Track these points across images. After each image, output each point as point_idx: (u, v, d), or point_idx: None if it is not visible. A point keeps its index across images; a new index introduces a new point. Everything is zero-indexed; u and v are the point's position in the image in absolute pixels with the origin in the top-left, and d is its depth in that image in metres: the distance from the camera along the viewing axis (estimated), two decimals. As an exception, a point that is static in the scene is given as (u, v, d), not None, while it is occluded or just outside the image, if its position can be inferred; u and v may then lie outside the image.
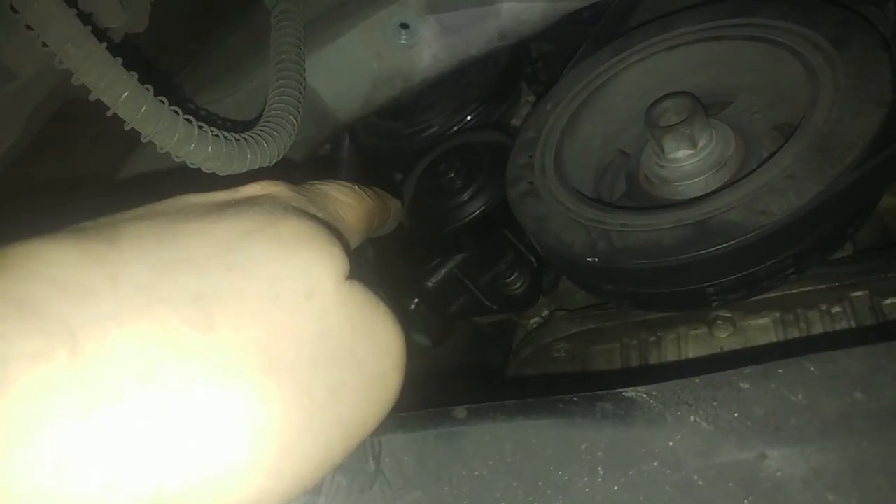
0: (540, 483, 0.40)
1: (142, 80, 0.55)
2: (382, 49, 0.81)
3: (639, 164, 0.72)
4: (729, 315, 0.69)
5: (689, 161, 0.66)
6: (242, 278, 0.30)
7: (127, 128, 0.54)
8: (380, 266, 1.04)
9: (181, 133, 0.55)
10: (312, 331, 0.31)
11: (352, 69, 0.83)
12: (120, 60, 0.53)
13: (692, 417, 0.40)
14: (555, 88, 0.79)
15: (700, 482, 0.38)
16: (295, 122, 0.67)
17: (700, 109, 0.66)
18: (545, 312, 0.91)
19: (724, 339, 0.68)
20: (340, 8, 0.84)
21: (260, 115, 0.67)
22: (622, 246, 0.59)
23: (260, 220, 0.33)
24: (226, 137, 0.59)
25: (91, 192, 0.72)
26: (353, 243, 0.40)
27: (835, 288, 0.65)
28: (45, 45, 0.50)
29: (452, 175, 0.90)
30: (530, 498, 0.40)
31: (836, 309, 0.65)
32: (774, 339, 0.66)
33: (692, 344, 0.70)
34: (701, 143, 0.66)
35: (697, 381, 0.41)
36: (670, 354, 0.70)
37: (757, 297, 0.63)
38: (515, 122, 1.03)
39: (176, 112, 0.56)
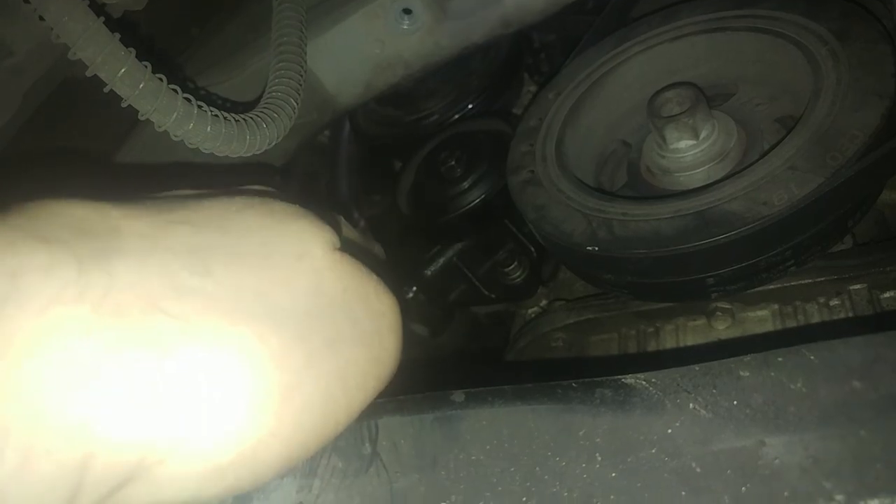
0: (537, 468, 0.40)
1: (140, 60, 0.54)
2: (384, 35, 0.81)
3: (640, 155, 0.72)
4: (728, 306, 0.69)
5: (690, 152, 0.66)
6: (237, 238, 0.32)
7: (125, 105, 0.54)
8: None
9: (180, 111, 0.55)
10: (305, 286, 0.33)
11: (353, 54, 0.82)
12: (118, 36, 0.52)
13: (691, 405, 0.40)
14: (557, 77, 0.78)
15: (698, 469, 0.38)
16: (295, 105, 0.67)
17: (702, 100, 0.66)
18: (544, 302, 0.91)
19: (722, 330, 0.68)
20: (343, -8, 0.83)
21: (260, 97, 0.67)
22: (622, 235, 0.59)
23: (253, 200, 0.35)
24: (225, 118, 0.59)
25: (87, 170, 0.71)
26: None
27: (834, 281, 0.65)
28: (41, 18, 0.49)
29: (453, 163, 0.90)
30: (527, 483, 0.40)
31: (835, 302, 0.64)
32: (772, 331, 0.66)
33: (691, 335, 0.70)
34: (703, 134, 0.65)
35: (697, 368, 0.41)
36: (668, 345, 0.70)
37: (756, 289, 0.63)
38: (517, 111, 1.03)
39: (175, 90, 0.55)
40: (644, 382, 0.42)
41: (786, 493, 0.35)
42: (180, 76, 0.82)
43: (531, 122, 0.75)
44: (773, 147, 0.59)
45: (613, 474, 0.39)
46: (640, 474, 0.38)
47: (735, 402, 0.39)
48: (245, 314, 0.30)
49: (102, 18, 0.52)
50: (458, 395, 0.44)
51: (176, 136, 0.57)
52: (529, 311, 0.91)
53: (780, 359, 0.40)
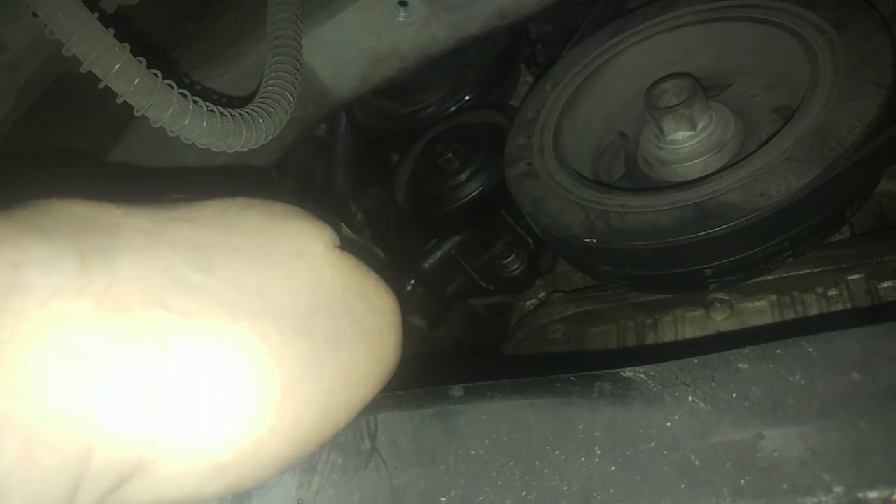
0: (537, 462, 0.40)
1: (135, 55, 0.54)
2: (380, 27, 0.80)
3: (638, 146, 0.72)
4: (726, 297, 0.69)
5: (688, 143, 0.66)
6: (238, 236, 0.32)
7: (120, 101, 0.53)
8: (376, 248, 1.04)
9: (175, 107, 0.55)
10: (306, 282, 0.33)
11: (349, 47, 0.82)
12: (112, 31, 0.52)
13: (690, 397, 0.40)
14: (554, 69, 0.78)
15: (697, 462, 0.38)
16: (291, 98, 0.67)
17: (699, 91, 0.65)
18: (542, 294, 0.91)
19: (721, 321, 0.68)
20: (338, -15, 0.83)
21: (256, 92, 0.66)
22: (620, 227, 0.59)
23: (253, 200, 0.35)
24: (221, 113, 0.58)
25: (83, 170, 0.71)
26: None
27: (832, 271, 0.65)
28: (35, 14, 0.49)
29: (450, 156, 0.89)
30: (527, 477, 0.40)
31: (833, 292, 0.65)
32: (771, 322, 0.66)
33: (689, 326, 0.70)
34: (700, 125, 0.65)
35: (696, 361, 0.41)
36: (667, 337, 0.70)
37: (754, 280, 0.63)
38: (514, 102, 1.02)
39: (170, 86, 0.55)
40: (643, 376, 0.42)
41: (785, 486, 0.35)
42: (175, 71, 0.81)
43: (528, 113, 0.75)
44: (770, 138, 0.59)
45: (613, 468, 0.39)
46: (639, 467, 0.38)
47: (734, 395, 0.39)
48: (246, 310, 0.30)
49: (97, 14, 0.51)
50: (457, 390, 0.44)
51: (172, 132, 0.56)
52: (528, 303, 0.91)
53: (778, 351, 0.40)
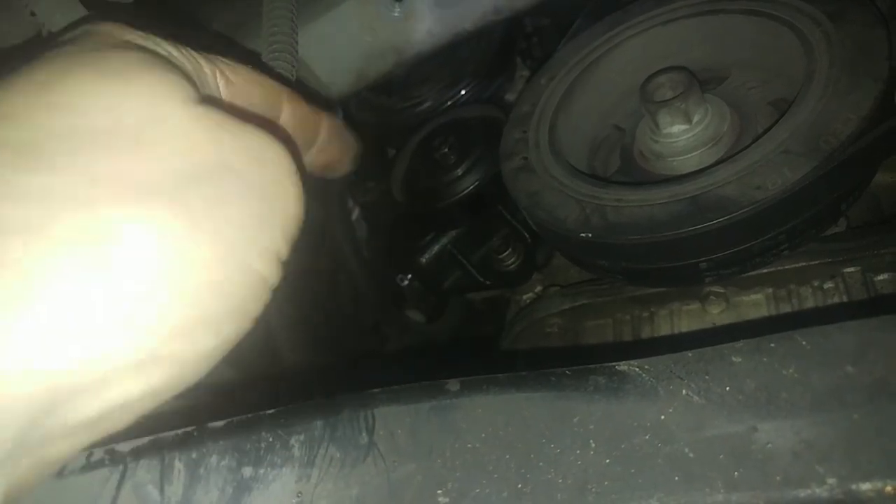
0: (532, 456, 0.41)
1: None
2: (376, 22, 0.80)
3: (633, 140, 0.72)
4: (722, 291, 0.69)
5: (683, 136, 0.66)
6: (71, 114, 0.28)
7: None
8: (373, 242, 1.04)
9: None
10: (170, 151, 0.29)
11: (345, 42, 0.82)
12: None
13: (684, 391, 0.40)
14: (549, 62, 0.78)
15: (691, 455, 0.38)
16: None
17: (695, 84, 0.65)
18: (538, 288, 0.91)
19: (716, 314, 0.69)
20: (333, -20, 0.82)
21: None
22: (616, 221, 0.59)
23: (77, 58, 0.30)
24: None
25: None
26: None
27: (828, 264, 0.65)
28: (33, 14, 0.49)
29: (446, 150, 0.89)
30: (522, 470, 0.40)
31: (829, 285, 0.65)
32: (767, 315, 0.66)
33: (685, 319, 0.70)
34: (696, 119, 0.65)
35: (690, 354, 0.41)
36: (663, 330, 0.71)
37: (750, 273, 0.63)
38: (510, 96, 1.02)
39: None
40: (637, 369, 0.42)
41: (778, 478, 0.36)
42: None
43: (524, 107, 0.75)
44: (766, 131, 0.59)
45: (607, 461, 0.39)
46: (633, 460, 0.39)
47: (728, 388, 0.39)
48: (106, 201, 0.27)
49: (93, 13, 0.51)
50: (454, 384, 0.45)
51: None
52: (524, 297, 0.91)
53: (772, 344, 0.40)
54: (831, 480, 0.35)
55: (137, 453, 0.47)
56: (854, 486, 0.34)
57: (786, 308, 0.65)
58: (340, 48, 0.82)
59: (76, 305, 0.26)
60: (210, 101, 0.32)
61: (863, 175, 0.59)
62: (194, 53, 0.36)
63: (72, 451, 0.28)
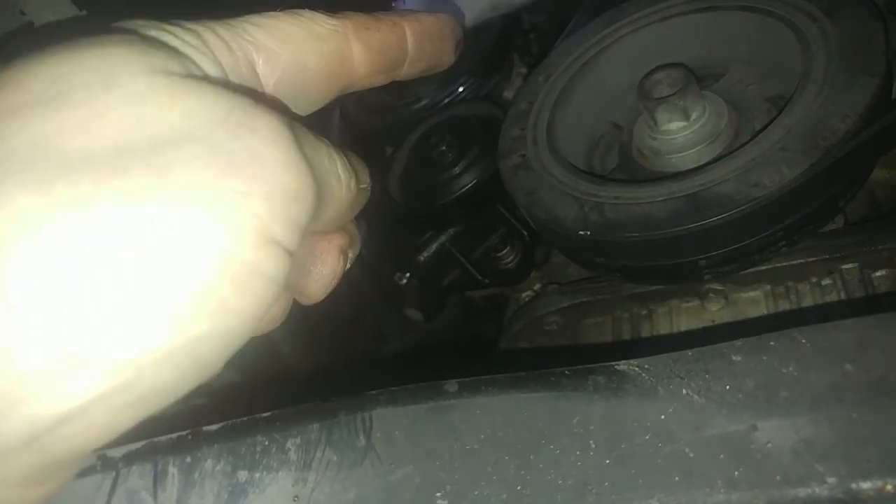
0: (532, 456, 0.40)
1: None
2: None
3: (631, 137, 0.71)
4: (721, 288, 0.69)
5: (681, 133, 0.66)
6: (13, 92, 0.26)
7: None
8: (371, 241, 1.04)
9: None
10: (118, 119, 0.26)
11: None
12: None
13: (684, 390, 0.40)
14: (547, 60, 0.78)
15: (691, 454, 0.38)
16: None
17: (693, 81, 0.65)
18: (537, 286, 0.91)
19: (715, 311, 0.68)
20: (329, -22, 0.82)
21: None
22: (614, 219, 0.59)
23: (58, 46, 0.28)
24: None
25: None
26: (306, 91, 0.35)
27: (825, 260, 0.65)
28: (22, 13, 0.49)
29: (444, 148, 0.89)
30: (522, 471, 0.40)
31: (827, 281, 0.65)
32: (765, 312, 0.66)
33: (684, 317, 0.70)
34: (694, 116, 0.65)
35: (689, 353, 0.41)
36: (662, 327, 0.70)
37: (748, 270, 0.63)
38: (508, 94, 1.02)
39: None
40: (637, 369, 0.42)
41: (778, 477, 0.36)
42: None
43: (521, 105, 0.75)
44: (764, 128, 0.59)
45: (607, 461, 0.39)
46: (633, 460, 0.39)
47: (727, 387, 0.39)
48: (28, 179, 0.24)
49: (85, 12, 0.51)
50: (452, 385, 0.44)
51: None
52: (523, 295, 0.91)
53: (771, 343, 0.40)
54: (831, 479, 0.35)
55: (130, 458, 0.46)
56: (854, 485, 0.34)
57: (784, 305, 0.65)
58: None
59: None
60: (195, 77, 0.29)
61: (860, 171, 0.59)
62: (205, 34, 0.32)
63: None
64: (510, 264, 0.90)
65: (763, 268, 0.65)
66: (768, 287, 0.67)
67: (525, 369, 0.44)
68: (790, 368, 0.39)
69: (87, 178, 0.24)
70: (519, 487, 0.39)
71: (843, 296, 0.63)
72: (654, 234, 0.57)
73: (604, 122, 0.77)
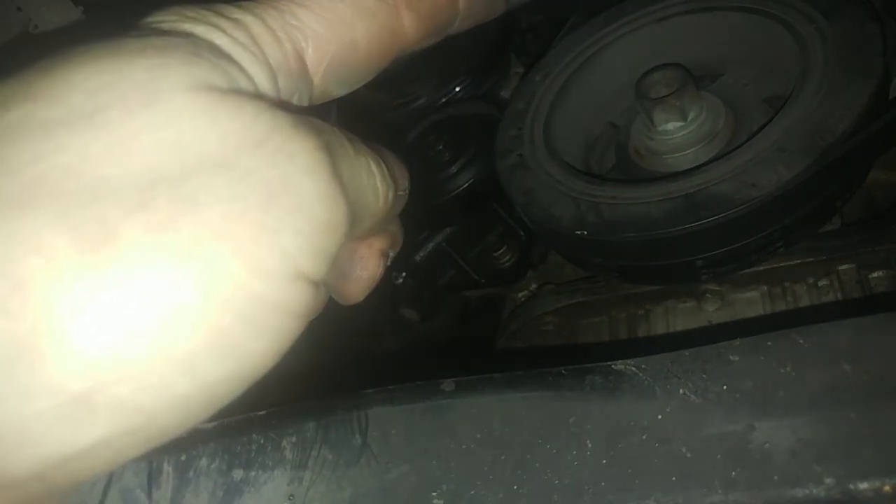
0: (528, 456, 0.40)
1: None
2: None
3: (629, 137, 0.71)
4: (717, 288, 0.69)
5: (678, 133, 0.65)
6: (44, 103, 0.24)
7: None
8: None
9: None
10: (151, 141, 0.24)
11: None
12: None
13: (681, 390, 0.40)
14: (544, 59, 0.78)
15: (689, 454, 0.38)
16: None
17: (690, 81, 0.65)
18: (534, 286, 0.91)
19: (712, 312, 0.68)
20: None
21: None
22: (611, 219, 0.59)
23: (93, 47, 0.26)
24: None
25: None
26: (352, 70, 0.34)
27: (822, 261, 0.65)
28: (19, 9, 0.48)
29: (441, 147, 0.89)
30: (518, 471, 0.40)
31: (824, 282, 0.65)
32: (762, 312, 0.66)
33: (681, 317, 0.70)
34: (691, 116, 0.65)
35: (687, 353, 0.41)
36: (659, 328, 0.70)
37: (745, 271, 0.63)
38: (505, 93, 1.02)
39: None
40: (634, 368, 0.42)
41: (776, 477, 0.36)
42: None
43: (519, 105, 0.75)
44: (761, 128, 0.59)
45: (604, 461, 0.39)
46: (630, 460, 0.38)
47: (725, 387, 0.39)
48: (44, 207, 0.23)
49: (81, 8, 0.51)
50: (448, 385, 0.44)
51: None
52: (520, 294, 0.90)
53: (769, 343, 0.40)
54: (829, 480, 0.35)
55: (127, 456, 0.46)
56: (852, 486, 0.34)
57: (781, 306, 0.65)
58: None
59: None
60: (237, 93, 0.27)
61: (858, 172, 0.59)
62: (254, 27, 0.29)
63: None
64: (507, 264, 0.90)
65: (760, 268, 0.65)
66: (765, 287, 0.67)
67: (522, 369, 0.44)
68: (788, 369, 0.39)
69: (114, 211, 0.23)
70: (515, 487, 0.39)
71: (839, 297, 0.63)
72: (651, 234, 0.57)
73: (601, 121, 0.77)
